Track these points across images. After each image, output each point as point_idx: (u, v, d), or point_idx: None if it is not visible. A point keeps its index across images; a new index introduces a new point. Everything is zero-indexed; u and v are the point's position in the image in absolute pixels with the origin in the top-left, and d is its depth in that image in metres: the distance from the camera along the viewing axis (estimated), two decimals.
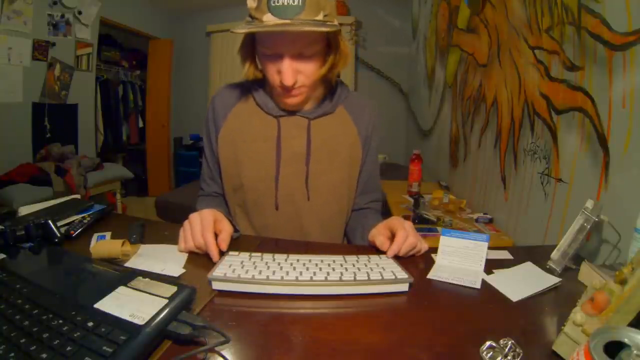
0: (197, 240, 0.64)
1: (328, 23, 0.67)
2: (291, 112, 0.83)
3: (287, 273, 0.56)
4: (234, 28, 0.68)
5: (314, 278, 0.55)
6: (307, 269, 0.58)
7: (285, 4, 0.63)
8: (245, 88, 0.86)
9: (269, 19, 0.65)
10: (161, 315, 0.42)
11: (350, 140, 0.86)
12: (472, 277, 0.62)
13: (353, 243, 0.89)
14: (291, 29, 0.64)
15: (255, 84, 0.85)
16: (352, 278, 0.56)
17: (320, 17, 0.66)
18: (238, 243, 0.74)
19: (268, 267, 0.58)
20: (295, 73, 0.71)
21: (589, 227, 0.68)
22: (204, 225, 0.65)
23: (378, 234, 0.71)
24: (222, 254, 0.64)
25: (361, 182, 0.91)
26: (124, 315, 0.41)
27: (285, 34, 0.67)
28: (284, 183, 0.83)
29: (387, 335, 0.46)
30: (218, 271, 0.56)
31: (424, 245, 0.70)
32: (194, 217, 0.67)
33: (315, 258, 0.62)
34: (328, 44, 0.75)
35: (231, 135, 0.85)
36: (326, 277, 0.56)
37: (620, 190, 0.80)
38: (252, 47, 0.77)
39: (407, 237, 0.67)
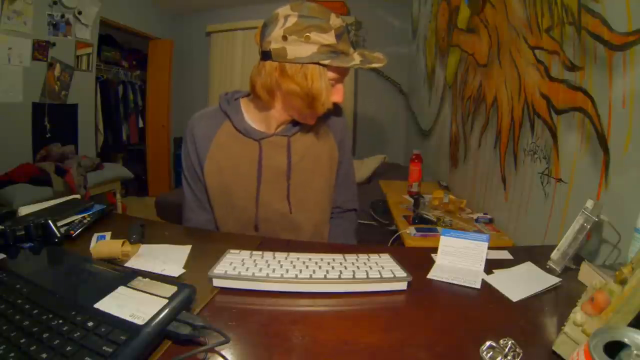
0: None
1: None
2: (271, 134, 0.85)
3: (287, 271, 0.56)
4: (355, 63, 0.80)
5: (314, 276, 0.55)
6: (307, 267, 0.58)
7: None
8: (220, 115, 0.87)
9: (354, 54, 0.80)
10: (161, 315, 0.42)
11: (327, 146, 0.90)
12: (472, 277, 0.62)
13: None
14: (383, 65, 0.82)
15: (230, 111, 0.85)
16: (351, 276, 0.56)
17: None
18: (239, 242, 0.74)
19: (268, 265, 0.58)
20: None
21: (589, 227, 0.68)
22: None
23: None
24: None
25: (338, 180, 0.96)
26: (124, 315, 0.41)
27: None
28: (265, 202, 0.85)
29: (387, 335, 0.46)
30: (219, 268, 0.56)
31: None
32: None
33: (315, 256, 0.62)
34: None
35: (217, 166, 0.85)
36: (325, 275, 0.56)
37: (620, 190, 0.80)
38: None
39: None
